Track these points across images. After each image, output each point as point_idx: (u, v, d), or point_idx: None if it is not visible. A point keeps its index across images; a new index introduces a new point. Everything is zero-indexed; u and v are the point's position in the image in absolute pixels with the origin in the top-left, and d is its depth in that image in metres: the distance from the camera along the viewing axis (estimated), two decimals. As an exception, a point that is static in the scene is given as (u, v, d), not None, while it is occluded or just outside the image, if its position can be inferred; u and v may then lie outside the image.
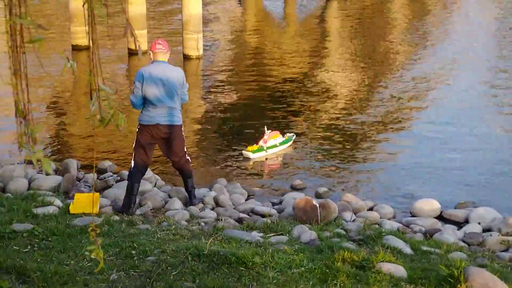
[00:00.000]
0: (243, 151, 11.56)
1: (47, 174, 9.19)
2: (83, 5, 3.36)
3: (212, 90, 15.71)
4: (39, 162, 3.25)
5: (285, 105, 14.48)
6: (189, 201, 8.65)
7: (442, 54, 18.86)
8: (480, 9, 25.21)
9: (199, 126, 13.29)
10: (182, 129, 8.28)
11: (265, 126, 12.01)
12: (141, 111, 8.11)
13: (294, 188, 10.24)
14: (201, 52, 17.96)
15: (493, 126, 13.18)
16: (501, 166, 11.30)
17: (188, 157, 8.47)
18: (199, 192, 9.25)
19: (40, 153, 3.33)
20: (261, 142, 11.67)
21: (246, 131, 12.87)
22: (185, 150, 8.39)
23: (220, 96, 15.19)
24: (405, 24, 22.95)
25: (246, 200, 9.43)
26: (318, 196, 9.82)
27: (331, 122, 13.47)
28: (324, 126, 13.23)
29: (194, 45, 17.77)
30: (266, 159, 11.55)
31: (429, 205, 9.27)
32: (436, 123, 13.43)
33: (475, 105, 14.47)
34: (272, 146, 11.68)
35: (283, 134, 12.10)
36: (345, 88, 15.82)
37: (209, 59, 18.35)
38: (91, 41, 3.52)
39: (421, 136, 12.73)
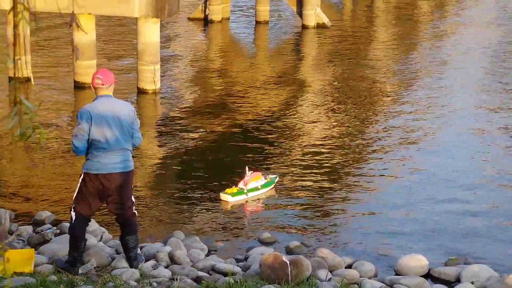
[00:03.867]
0: (221, 194, 11.67)
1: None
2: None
3: (172, 128, 15.66)
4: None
5: (260, 143, 14.52)
6: (129, 263, 8.24)
7: (435, 85, 19.07)
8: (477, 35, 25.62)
9: (155, 171, 13.21)
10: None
11: (246, 167, 12.11)
12: (87, 157, 7.85)
13: (262, 242, 10.17)
14: (158, 85, 17.95)
15: (491, 169, 13.27)
16: (501, 216, 11.36)
17: (135, 211, 8.16)
18: (152, 246, 9.13)
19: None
20: (241, 184, 11.80)
21: (213, 174, 12.86)
22: (133, 200, 8.14)
23: (182, 134, 15.15)
24: (395, 55, 23.21)
25: (206, 256, 9.31)
26: (289, 251, 9.76)
27: (308, 163, 13.51)
28: (300, 167, 13.27)
29: (151, 77, 17.75)
30: (246, 201, 11.69)
31: (416, 261, 9.24)
32: (426, 166, 13.49)
33: (471, 145, 14.58)
34: (253, 189, 11.82)
35: (263, 175, 12.21)
36: (325, 123, 15.89)
37: (168, 93, 18.35)
38: (13, 55, 3.64)
39: (407, 181, 12.76)
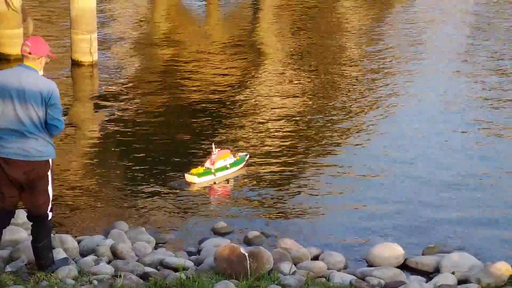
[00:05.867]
0: (186, 174, 11.85)
1: None
2: None
3: (113, 105, 15.55)
4: None
5: (214, 120, 14.58)
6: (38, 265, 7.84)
7: (406, 53, 19.23)
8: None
9: (94, 154, 13.13)
10: (50, 166, 7.54)
11: (213, 144, 12.32)
12: None
13: (216, 233, 10.18)
14: (95, 57, 17.79)
15: (468, 151, 13.43)
16: (480, 201, 11.50)
17: (51, 212, 7.66)
18: (92, 240, 9.06)
19: None
20: (207, 164, 12.02)
21: (161, 156, 12.87)
22: (50, 197, 7.71)
23: (124, 112, 15.06)
24: (357, 22, 23.32)
25: (153, 249, 9.28)
26: (247, 242, 9.77)
27: (271, 142, 13.59)
28: (262, 147, 13.37)
29: (86, 48, 17.58)
30: (215, 183, 11.92)
31: (390, 251, 9.30)
32: (400, 146, 13.61)
33: (449, 126, 14.71)
34: (221, 168, 12.05)
35: (231, 153, 12.42)
36: (287, 96, 15.98)
37: (106, 65, 18.21)
38: None
39: (380, 163, 12.84)
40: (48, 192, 7.62)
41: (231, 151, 12.44)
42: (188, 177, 11.82)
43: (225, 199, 11.62)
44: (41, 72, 7.60)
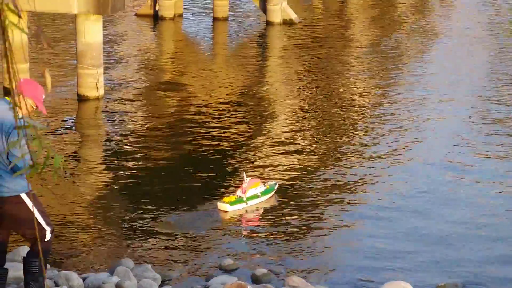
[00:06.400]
0: (218, 203, 12.24)
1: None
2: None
3: (119, 140, 15.60)
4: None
5: (217, 164, 14.58)
6: None
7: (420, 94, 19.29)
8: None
9: (100, 190, 13.15)
10: (25, 201, 7.39)
11: (244, 173, 12.69)
12: None
13: (223, 270, 10.18)
14: (101, 92, 17.86)
15: (481, 186, 13.43)
16: (495, 236, 11.47)
17: (51, 234, 7.50)
18: (97, 277, 9.08)
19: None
20: (239, 192, 12.39)
21: (168, 193, 12.94)
22: (43, 222, 7.48)
23: (131, 147, 15.10)
24: (372, 57, 23.41)
25: (159, 287, 9.28)
26: (255, 280, 9.78)
27: (277, 174, 13.69)
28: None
29: (93, 83, 17.66)
30: (246, 211, 12.26)
31: (400, 289, 9.31)
32: (411, 181, 13.61)
33: (463, 158, 14.73)
34: (252, 197, 12.43)
35: (262, 182, 12.75)
36: (300, 130, 16.02)
37: (113, 100, 18.27)
38: (7, 63, 3.50)
39: (391, 198, 12.84)
40: (33, 222, 7.41)
41: (261, 180, 12.75)
42: (221, 206, 12.15)
43: (233, 234, 11.62)
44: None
